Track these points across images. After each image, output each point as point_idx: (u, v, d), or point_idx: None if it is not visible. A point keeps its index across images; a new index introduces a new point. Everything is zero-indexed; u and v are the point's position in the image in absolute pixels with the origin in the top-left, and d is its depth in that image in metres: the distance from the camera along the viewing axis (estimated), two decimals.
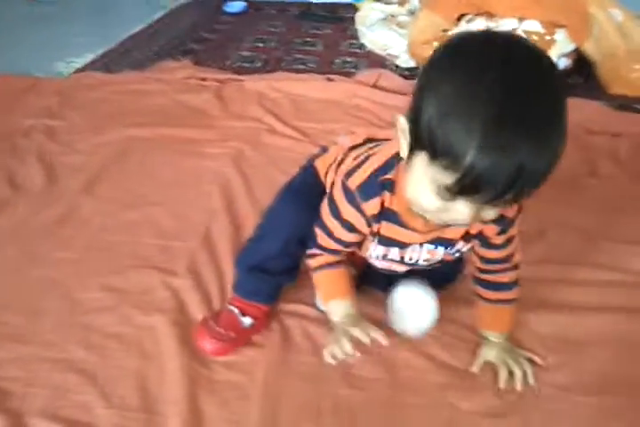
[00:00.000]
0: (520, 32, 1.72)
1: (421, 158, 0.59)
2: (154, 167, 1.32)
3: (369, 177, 0.71)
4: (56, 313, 0.91)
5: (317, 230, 0.79)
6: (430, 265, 0.81)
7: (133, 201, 1.19)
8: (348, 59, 2.07)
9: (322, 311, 0.89)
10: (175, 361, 0.81)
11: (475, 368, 0.83)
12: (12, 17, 2.53)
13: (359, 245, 0.81)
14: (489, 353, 0.84)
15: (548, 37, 1.72)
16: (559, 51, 1.74)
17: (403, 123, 0.60)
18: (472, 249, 0.80)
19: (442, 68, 0.57)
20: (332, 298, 0.81)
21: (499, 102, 0.52)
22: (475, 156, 0.53)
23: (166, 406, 0.75)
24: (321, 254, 0.81)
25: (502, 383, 0.81)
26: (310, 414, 0.76)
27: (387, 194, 0.71)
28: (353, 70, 1.92)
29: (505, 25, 1.74)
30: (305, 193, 0.85)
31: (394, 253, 0.79)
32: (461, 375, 0.82)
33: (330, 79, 1.76)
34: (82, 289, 0.95)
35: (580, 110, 1.53)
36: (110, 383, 0.79)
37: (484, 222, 0.71)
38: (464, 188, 0.56)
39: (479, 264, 0.82)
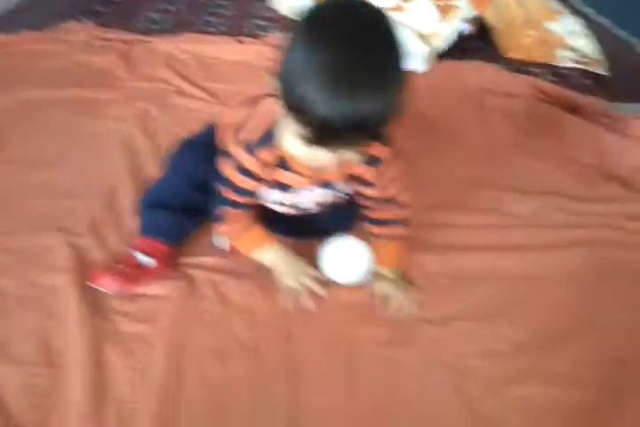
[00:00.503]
0: None
1: (287, 113, 0.67)
2: (56, 129, 1.28)
3: (263, 131, 0.79)
4: None
5: (220, 187, 0.84)
6: (323, 209, 0.87)
7: (33, 162, 1.17)
8: (261, 22, 2.05)
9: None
10: (77, 317, 0.82)
11: (374, 300, 0.91)
12: None
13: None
14: (381, 286, 0.92)
15: (451, 3, 1.78)
16: (461, 16, 1.80)
17: (271, 78, 0.68)
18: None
19: (295, 33, 0.65)
20: (257, 246, 0.90)
21: (336, 61, 0.61)
22: (318, 110, 0.61)
23: (70, 360, 0.77)
24: (230, 219, 0.88)
25: (391, 311, 0.89)
26: (215, 358, 0.79)
27: (276, 144, 0.78)
28: (264, 33, 1.91)
29: None
30: (204, 146, 0.89)
31: (287, 198, 0.85)
32: (358, 311, 0.88)
33: (240, 41, 1.76)
34: None
35: (477, 72, 1.63)
36: (11, 341, 0.79)
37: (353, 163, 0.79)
38: (314, 137, 0.65)
39: (364, 202, 0.90)
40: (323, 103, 0.61)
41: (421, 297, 0.92)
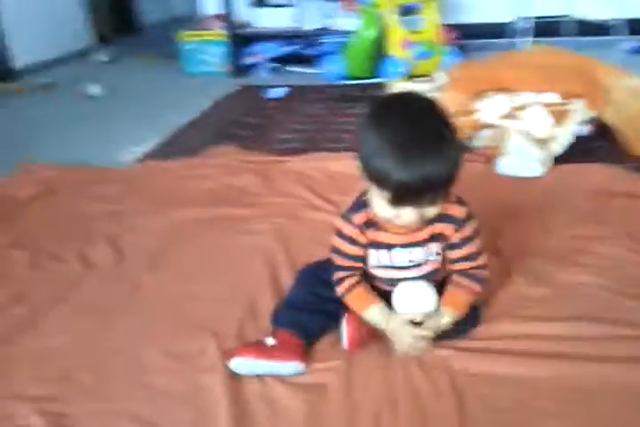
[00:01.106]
0: (538, 104, 1.85)
1: (373, 187, 0.89)
2: (206, 245, 1.47)
3: (355, 200, 1.03)
4: (123, 373, 1.04)
5: (332, 256, 1.06)
6: (419, 269, 1.03)
7: (190, 274, 1.34)
8: None
9: None
10: (227, 415, 0.91)
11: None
12: (67, 113, 2.82)
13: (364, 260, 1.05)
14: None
15: (565, 107, 1.84)
16: (577, 119, 1.85)
17: (358, 164, 0.92)
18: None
19: (367, 121, 0.90)
20: (365, 309, 1.03)
21: (402, 137, 0.85)
22: (394, 176, 0.84)
23: None
24: (343, 278, 1.05)
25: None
26: None
27: (369, 209, 0.98)
28: None
29: (524, 98, 1.88)
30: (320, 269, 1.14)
31: (384, 256, 1.02)
32: None
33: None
34: (144, 352, 1.08)
35: (594, 174, 1.65)
36: None
37: (436, 221, 0.98)
38: (395, 199, 0.87)
39: (449, 266, 1.05)
40: (397, 171, 0.84)
41: (544, 412, 0.91)
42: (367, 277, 1.08)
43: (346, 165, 1.84)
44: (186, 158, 2.07)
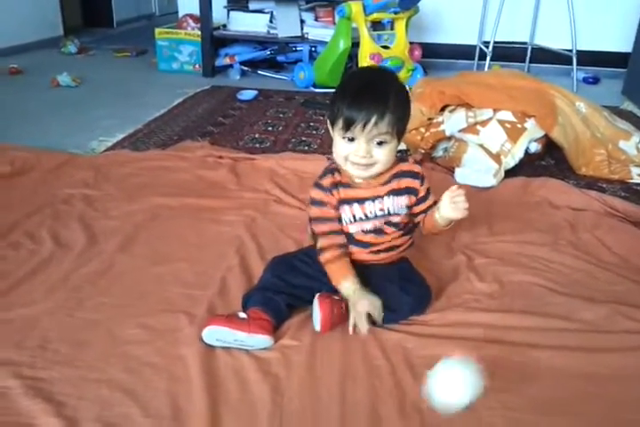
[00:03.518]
0: (495, 121, 2.00)
1: (334, 129, 1.14)
2: (179, 231, 1.53)
3: (324, 169, 1.22)
4: (100, 345, 1.09)
5: (312, 225, 1.21)
6: (388, 220, 1.21)
7: (161, 259, 1.40)
8: None
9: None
10: (201, 384, 0.98)
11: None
12: (39, 103, 2.83)
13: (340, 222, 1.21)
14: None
15: (519, 125, 1.99)
16: (530, 136, 2.00)
17: (327, 122, 1.18)
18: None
19: (338, 86, 1.19)
20: (339, 282, 1.16)
21: (357, 86, 1.13)
22: (346, 110, 1.09)
23: (192, 418, 0.92)
24: (326, 248, 1.19)
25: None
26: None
27: (335, 173, 1.19)
28: None
29: (482, 115, 2.02)
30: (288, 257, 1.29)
31: (357, 209, 1.19)
32: None
33: (329, 158, 2.02)
34: (121, 327, 1.14)
35: (542, 187, 1.79)
36: (147, 399, 0.96)
37: (400, 177, 1.19)
38: (346, 126, 1.09)
39: (418, 219, 1.25)
40: (346, 107, 1.09)
41: (490, 387, 1.01)
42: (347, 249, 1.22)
43: (313, 165, 1.92)
44: (157, 150, 2.12)
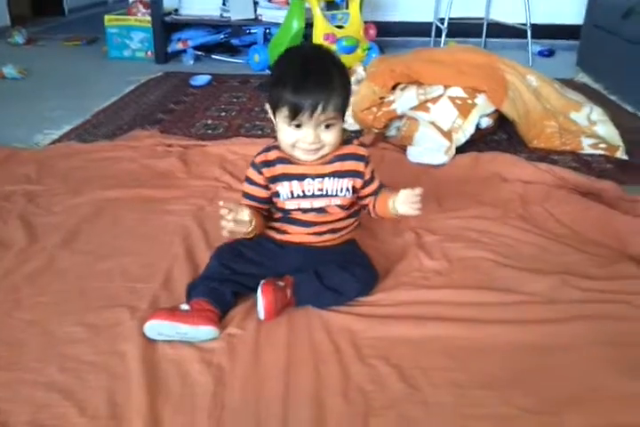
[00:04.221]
0: (445, 97, 1.98)
1: (277, 116, 1.11)
2: (124, 223, 1.49)
3: (262, 148, 1.22)
4: (36, 345, 1.05)
5: (242, 201, 1.22)
6: (328, 199, 1.18)
7: (106, 253, 1.36)
8: None
9: None
10: (140, 379, 0.96)
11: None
12: None
13: (270, 202, 1.21)
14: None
15: (469, 101, 1.98)
16: (481, 112, 1.99)
17: (267, 106, 1.15)
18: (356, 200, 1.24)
19: (274, 68, 1.17)
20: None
21: (296, 72, 1.08)
22: (291, 98, 1.06)
23: (131, 414, 0.90)
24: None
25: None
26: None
27: (273, 150, 1.18)
28: None
29: (433, 92, 2.00)
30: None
31: (296, 186, 1.17)
32: None
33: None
34: (58, 326, 1.10)
35: (494, 162, 1.79)
36: (85, 398, 0.93)
37: (345, 159, 1.18)
38: (293, 114, 1.06)
39: (362, 202, 1.24)
40: (291, 94, 1.06)
41: (438, 366, 1.01)
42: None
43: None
44: (105, 141, 2.06)
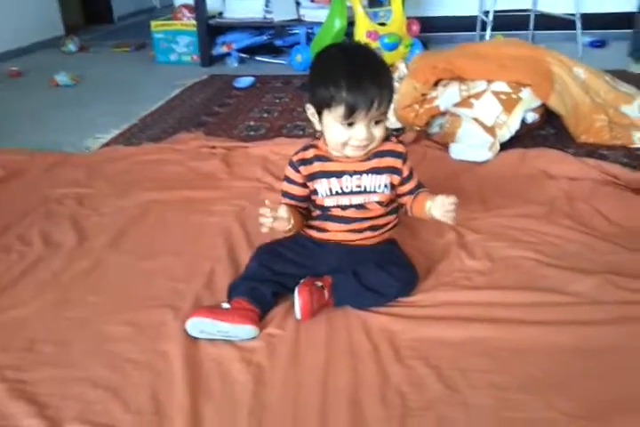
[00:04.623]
0: (489, 92, 1.94)
1: (325, 115, 1.10)
2: (169, 224, 1.53)
3: (299, 149, 1.22)
4: (84, 343, 1.10)
5: (281, 200, 1.22)
6: (367, 195, 1.18)
7: (150, 253, 1.40)
8: None
9: None
10: (182, 377, 0.98)
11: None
12: (37, 102, 2.86)
13: (309, 200, 1.22)
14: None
15: (514, 96, 1.93)
16: (526, 106, 1.95)
17: (309, 107, 1.14)
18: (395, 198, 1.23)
19: (316, 67, 1.14)
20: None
21: (347, 71, 1.07)
22: (346, 96, 1.05)
23: (173, 412, 0.92)
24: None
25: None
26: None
27: (311, 149, 1.19)
28: None
29: (476, 87, 1.97)
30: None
31: (334, 183, 1.17)
32: None
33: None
34: (105, 324, 1.14)
35: (539, 158, 1.74)
36: (129, 395, 0.96)
37: (383, 156, 1.17)
38: (349, 113, 1.06)
39: (401, 200, 1.24)
40: (346, 93, 1.05)
41: (478, 368, 0.99)
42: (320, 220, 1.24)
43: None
44: (151, 144, 2.12)
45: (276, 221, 1.13)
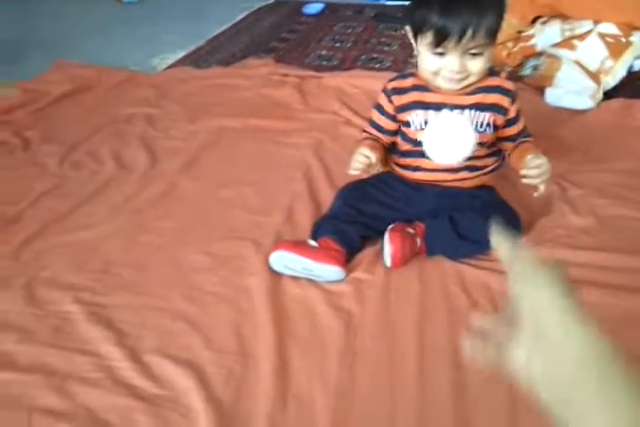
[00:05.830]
0: (595, 34, 1.75)
1: (419, 41, 0.99)
2: (243, 153, 1.45)
3: (396, 75, 1.12)
4: (161, 270, 1.04)
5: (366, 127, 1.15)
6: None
7: (225, 181, 1.32)
8: None
9: None
10: (267, 316, 0.92)
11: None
12: (102, 17, 2.75)
13: (395, 135, 1.12)
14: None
15: (623, 40, 1.74)
16: (635, 52, 1.76)
17: (407, 29, 1.03)
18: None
19: None
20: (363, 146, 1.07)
21: None
22: (437, 20, 0.93)
23: (258, 352, 0.87)
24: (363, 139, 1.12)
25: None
26: (386, 364, 0.85)
27: (410, 78, 1.08)
28: None
29: (580, 27, 1.78)
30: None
31: (432, 116, 1.05)
32: None
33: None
34: (183, 252, 1.08)
35: None
36: (210, 330, 0.91)
37: (489, 91, 1.05)
38: (438, 41, 0.94)
39: (504, 146, 1.13)
40: (437, 16, 0.93)
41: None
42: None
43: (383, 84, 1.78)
44: (219, 68, 2.00)
45: (359, 155, 1.04)
